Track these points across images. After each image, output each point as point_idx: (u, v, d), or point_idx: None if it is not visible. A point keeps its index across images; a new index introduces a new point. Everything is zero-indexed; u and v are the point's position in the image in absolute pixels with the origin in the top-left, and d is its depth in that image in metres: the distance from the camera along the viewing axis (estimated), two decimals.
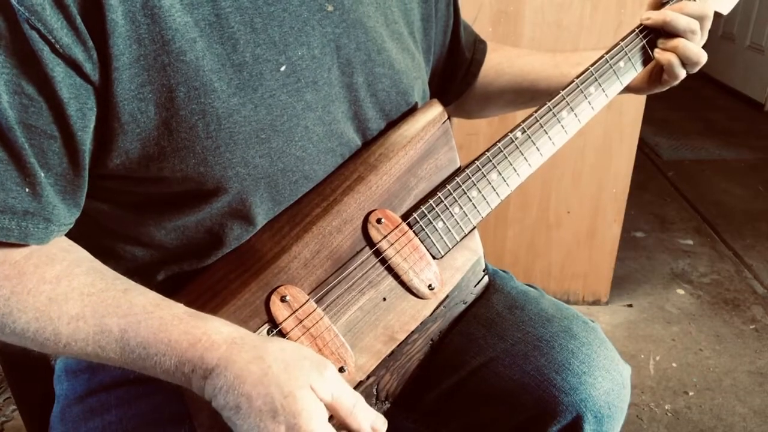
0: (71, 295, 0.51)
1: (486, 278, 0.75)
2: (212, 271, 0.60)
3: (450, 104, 0.90)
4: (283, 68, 0.56)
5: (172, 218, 0.58)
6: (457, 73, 0.87)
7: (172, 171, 0.55)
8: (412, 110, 0.70)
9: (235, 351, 0.51)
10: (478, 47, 0.88)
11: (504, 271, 0.83)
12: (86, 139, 0.51)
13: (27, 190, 0.50)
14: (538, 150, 0.72)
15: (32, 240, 0.52)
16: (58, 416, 0.69)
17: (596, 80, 0.74)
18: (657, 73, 0.78)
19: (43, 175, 0.50)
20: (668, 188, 2.88)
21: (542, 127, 0.71)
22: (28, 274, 0.51)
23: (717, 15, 0.76)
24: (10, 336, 0.52)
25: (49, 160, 0.51)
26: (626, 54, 0.75)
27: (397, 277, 0.65)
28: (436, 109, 0.70)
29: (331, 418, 0.52)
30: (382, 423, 0.54)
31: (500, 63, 0.88)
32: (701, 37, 0.74)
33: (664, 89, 0.80)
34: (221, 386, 0.50)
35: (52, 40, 0.47)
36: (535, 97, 0.86)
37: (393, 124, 0.68)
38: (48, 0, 0.46)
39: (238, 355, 0.50)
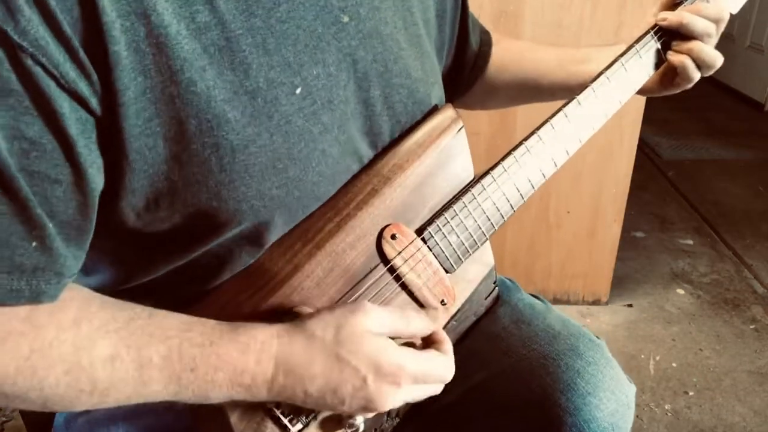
0: (97, 336, 0.47)
1: (496, 290, 0.74)
2: (221, 292, 0.58)
3: (458, 97, 0.89)
4: (298, 91, 0.53)
5: (182, 249, 0.56)
6: (464, 66, 0.85)
7: (184, 206, 0.51)
8: (427, 116, 0.67)
9: (286, 343, 0.51)
10: (484, 39, 0.86)
11: (510, 281, 0.82)
12: (95, 176, 0.47)
13: (34, 244, 0.45)
14: (553, 159, 0.70)
15: (45, 298, 0.47)
16: (62, 426, 0.67)
17: (611, 84, 0.72)
18: (670, 75, 0.76)
19: (51, 225, 0.46)
20: (668, 188, 2.89)
21: (557, 134, 0.70)
22: (44, 326, 0.46)
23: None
24: (36, 401, 0.47)
25: (53, 207, 0.46)
26: (641, 57, 0.73)
27: (410, 293, 0.63)
28: (451, 116, 0.68)
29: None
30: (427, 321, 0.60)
31: (503, 59, 0.86)
32: (715, 40, 0.73)
33: (677, 91, 0.78)
34: (293, 383, 0.51)
35: (58, 75, 0.43)
36: (537, 94, 0.85)
37: (405, 133, 0.65)
38: (49, 34, 0.42)
39: (289, 347, 0.51)
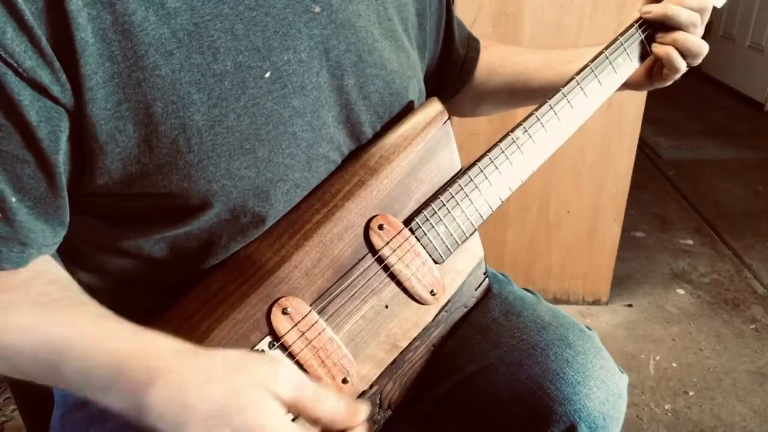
0: (23, 305, 0.50)
1: (486, 281, 0.74)
2: (209, 282, 0.58)
3: (447, 100, 0.88)
4: (267, 75, 0.55)
5: (160, 231, 0.57)
6: (451, 70, 0.86)
7: (156, 188, 0.53)
8: (408, 110, 0.68)
9: (178, 360, 0.47)
10: (472, 44, 0.87)
11: (502, 275, 0.82)
12: (60, 161, 0.50)
13: None
14: (540, 149, 0.71)
15: (7, 264, 0.50)
16: (58, 422, 0.68)
17: (596, 77, 0.73)
18: (657, 67, 0.77)
19: (14, 200, 0.49)
20: (668, 188, 2.88)
21: (543, 126, 0.70)
22: None
23: (713, 9, 0.76)
24: None
25: (24, 185, 0.49)
26: (625, 50, 0.74)
27: (399, 284, 0.64)
28: (437, 108, 0.68)
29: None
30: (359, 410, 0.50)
31: (492, 63, 0.87)
32: (700, 30, 0.74)
33: (667, 84, 0.78)
34: (164, 398, 0.45)
35: (15, 64, 0.45)
36: (528, 97, 0.85)
37: (387, 125, 0.67)
38: (9, 23, 0.44)
39: (179, 364, 0.47)
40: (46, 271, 0.54)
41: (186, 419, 0.44)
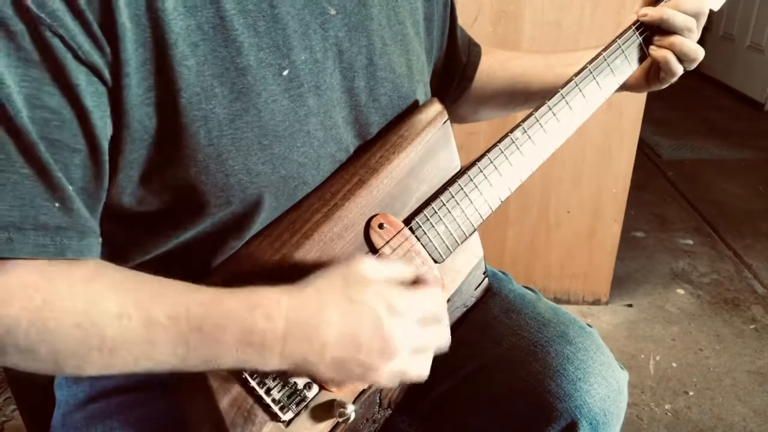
0: (107, 294, 0.48)
1: (486, 281, 0.74)
2: (210, 281, 0.56)
3: (449, 106, 0.89)
4: (285, 72, 0.55)
5: (172, 225, 0.57)
6: (453, 76, 0.87)
7: (174, 179, 0.53)
8: (412, 110, 0.69)
9: (295, 297, 0.52)
10: (473, 50, 0.88)
11: (503, 273, 0.83)
12: (107, 147, 0.50)
13: (57, 205, 0.47)
14: (539, 150, 0.71)
15: (70, 253, 0.48)
16: (59, 422, 0.69)
17: (594, 78, 0.73)
18: (654, 70, 0.78)
19: (71, 188, 0.48)
20: (668, 188, 2.89)
21: (542, 126, 0.71)
22: (56, 279, 0.47)
23: (710, 11, 0.76)
24: (46, 357, 0.47)
25: (71, 174, 0.49)
26: (623, 52, 0.75)
27: None
28: (436, 109, 0.69)
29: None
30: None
31: (492, 66, 0.88)
32: (696, 34, 0.74)
33: (663, 87, 0.79)
34: (309, 336, 0.50)
35: (75, 47, 0.45)
36: (528, 99, 0.86)
37: (393, 126, 0.67)
38: (65, 6, 0.45)
39: (299, 299, 0.52)
40: (108, 263, 0.53)
41: (355, 327, 0.52)
